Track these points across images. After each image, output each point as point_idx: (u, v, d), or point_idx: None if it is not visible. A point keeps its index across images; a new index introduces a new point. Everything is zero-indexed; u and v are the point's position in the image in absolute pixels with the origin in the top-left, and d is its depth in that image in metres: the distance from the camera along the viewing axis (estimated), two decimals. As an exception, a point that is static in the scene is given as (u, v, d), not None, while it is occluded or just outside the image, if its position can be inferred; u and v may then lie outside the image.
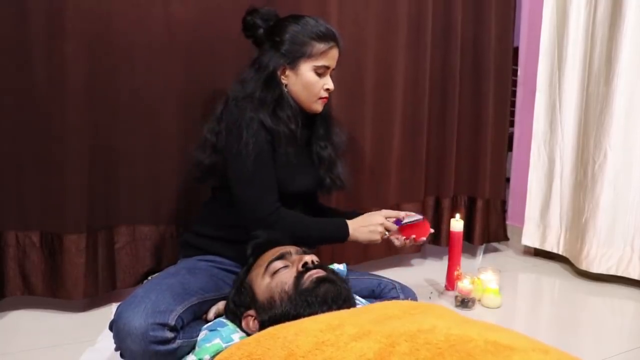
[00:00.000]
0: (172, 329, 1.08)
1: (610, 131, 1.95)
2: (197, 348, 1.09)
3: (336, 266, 1.35)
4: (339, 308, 0.99)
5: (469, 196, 2.28)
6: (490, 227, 2.30)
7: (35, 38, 1.46)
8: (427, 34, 2.02)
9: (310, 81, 1.37)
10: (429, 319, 0.80)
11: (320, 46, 1.35)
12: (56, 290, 1.57)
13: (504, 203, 2.33)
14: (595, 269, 2.00)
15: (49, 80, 1.48)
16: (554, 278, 2.09)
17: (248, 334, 1.06)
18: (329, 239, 1.41)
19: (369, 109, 1.94)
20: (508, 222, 2.36)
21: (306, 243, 1.24)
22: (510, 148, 2.37)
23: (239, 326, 1.11)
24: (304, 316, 0.96)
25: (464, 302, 1.75)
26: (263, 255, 1.14)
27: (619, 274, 1.97)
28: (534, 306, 1.92)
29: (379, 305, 0.97)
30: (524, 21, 2.34)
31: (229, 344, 1.03)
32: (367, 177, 1.97)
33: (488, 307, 1.77)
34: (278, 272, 1.07)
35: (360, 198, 1.96)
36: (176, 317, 1.09)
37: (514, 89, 2.36)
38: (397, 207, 2.06)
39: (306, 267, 1.05)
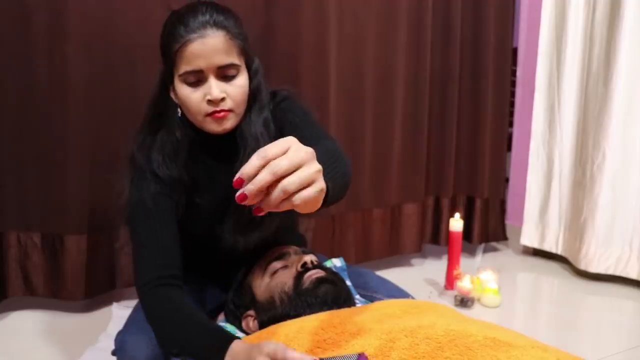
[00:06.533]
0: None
1: (608, 131, 1.96)
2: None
3: (333, 261, 1.33)
4: (339, 308, 0.99)
5: (468, 196, 2.28)
6: (490, 227, 2.30)
7: (35, 38, 1.46)
8: (427, 33, 2.02)
9: (182, 96, 1.00)
10: (429, 316, 0.81)
11: (174, 47, 0.96)
12: (57, 291, 1.57)
13: (503, 203, 2.33)
14: (594, 268, 2.00)
15: (49, 80, 1.48)
16: (553, 278, 2.10)
17: (248, 335, 1.06)
18: (196, 354, 0.90)
19: (369, 108, 1.94)
20: (507, 222, 2.37)
21: (167, 348, 0.94)
22: (509, 148, 2.37)
23: (239, 327, 1.11)
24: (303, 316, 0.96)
25: (464, 302, 1.75)
26: (262, 256, 1.15)
27: (618, 273, 1.97)
28: (533, 306, 1.92)
29: (379, 304, 0.97)
30: (523, 22, 2.35)
31: (229, 343, 1.03)
32: (367, 177, 1.97)
33: (487, 307, 1.77)
34: (277, 273, 1.07)
35: (361, 198, 1.96)
36: None
37: (513, 89, 2.36)
38: (398, 208, 2.07)
39: (305, 268, 1.05)
